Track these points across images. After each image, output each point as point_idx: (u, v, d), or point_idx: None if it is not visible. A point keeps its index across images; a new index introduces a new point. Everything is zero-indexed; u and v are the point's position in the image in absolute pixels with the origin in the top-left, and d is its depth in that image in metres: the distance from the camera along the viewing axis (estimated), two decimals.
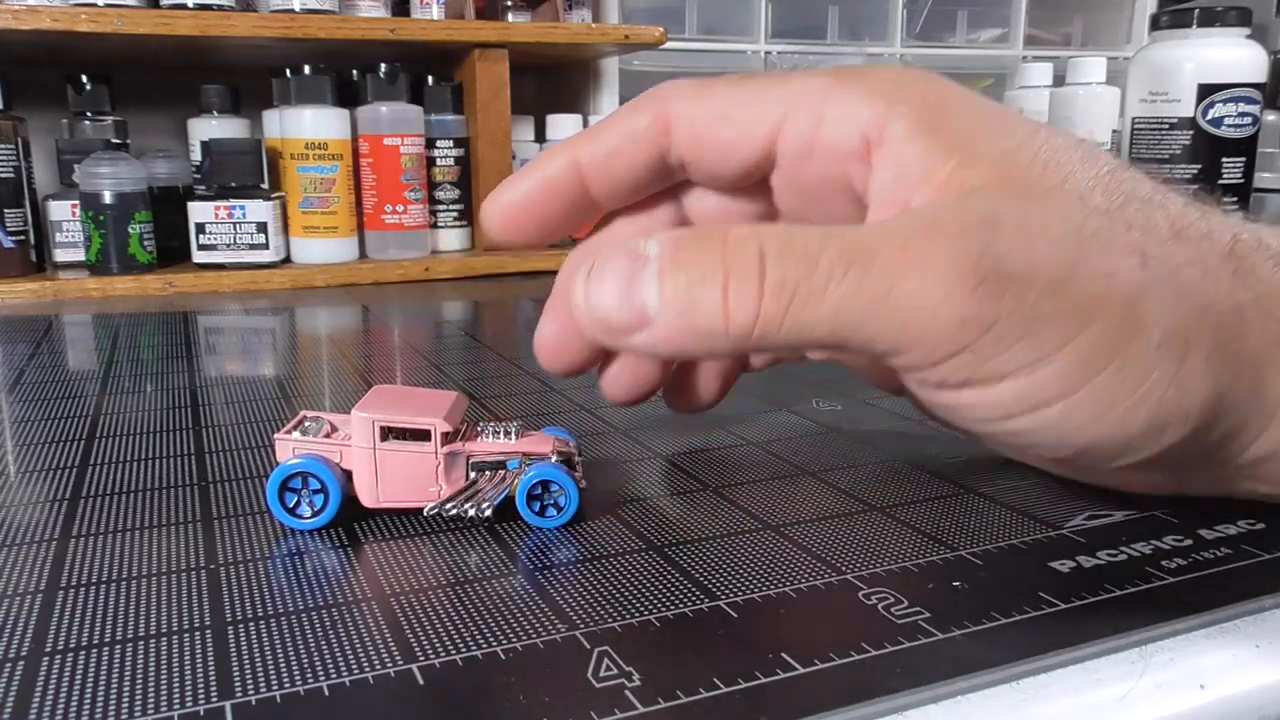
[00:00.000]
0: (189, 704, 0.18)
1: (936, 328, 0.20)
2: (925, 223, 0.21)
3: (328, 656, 0.19)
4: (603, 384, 0.29)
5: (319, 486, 0.26)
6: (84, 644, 0.20)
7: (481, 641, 0.20)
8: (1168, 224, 0.22)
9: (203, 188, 0.84)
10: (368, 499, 0.26)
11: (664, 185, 0.28)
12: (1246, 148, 0.93)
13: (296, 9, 0.80)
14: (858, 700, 0.18)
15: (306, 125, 0.81)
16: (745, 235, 0.21)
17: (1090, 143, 0.24)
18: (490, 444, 0.27)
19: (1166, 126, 0.94)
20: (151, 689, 0.18)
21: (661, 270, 0.21)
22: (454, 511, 0.25)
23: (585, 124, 0.95)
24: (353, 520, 0.26)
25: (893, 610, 0.21)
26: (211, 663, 0.19)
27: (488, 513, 0.25)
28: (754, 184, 0.27)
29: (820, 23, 1.28)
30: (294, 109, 0.81)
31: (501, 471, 0.26)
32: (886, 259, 0.20)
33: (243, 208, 0.77)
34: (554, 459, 0.26)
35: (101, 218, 0.74)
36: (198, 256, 0.77)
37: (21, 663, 0.19)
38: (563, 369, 0.29)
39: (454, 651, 0.20)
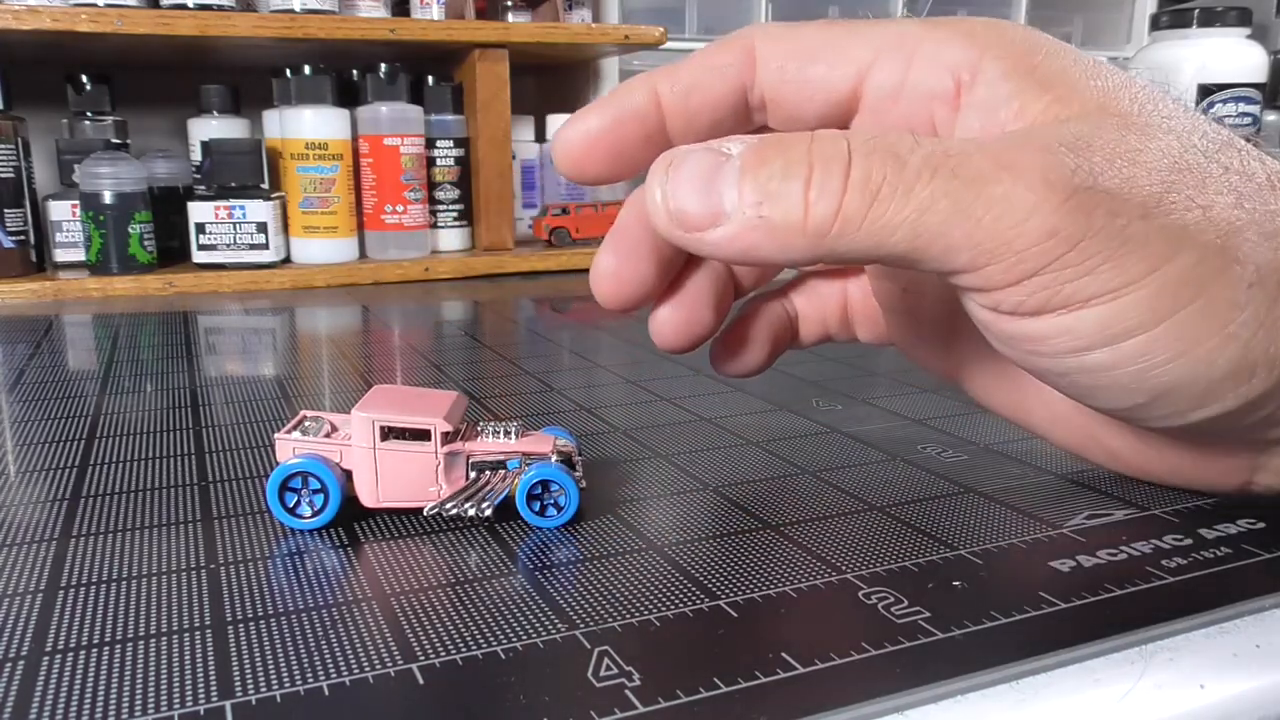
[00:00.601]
0: (189, 704, 0.18)
1: (1022, 239, 0.20)
2: (1020, 137, 0.21)
3: (327, 656, 0.19)
4: (653, 326, 0.28)
5: (319, 486, 0.26)
6: (84, 644, 0.20)
7: (481, 641, 0.20)
8: (1265, 174, 0.22)
9: (203, 188, 0.84)
10: (368, 499, 0.26)
11: (741, 130, 0.27)
12: None
13: (296, 9, 0.80)
14: (858, 700, 0.18)
15: (306, 125, 0.81)
16: (833, 134, 0.21)
17: (1182, 101, 0.24)
18: (490, 444, 0.27)
19: None
20: (151, 689, 0.18)
21: (744, 166, 0.21)
22: (454, 511, 0.25)
23: None
24: (353, 520, 0.26)
25: (893, 610, 0.21)
26: (211, 663, 0.19)
27: (488, 512, 0.25)
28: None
29: None
30: (294, 109, 0.81)
31: (501, 471, 0.26)
32: (977, 165, 0.20)
33: (243, 208, 0.77)
34: (554, 459, 0.26)
35: (101, 218, 0.74)
36: (198, 256, 0.78)
37: (22, 663, 0.19)
38: (618, 302, 0.28)
39: (454, 651, 0.20)
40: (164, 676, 0.19)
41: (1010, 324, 0.21)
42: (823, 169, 0.20)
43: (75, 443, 0.34)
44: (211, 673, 0.19)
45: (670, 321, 0.28)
